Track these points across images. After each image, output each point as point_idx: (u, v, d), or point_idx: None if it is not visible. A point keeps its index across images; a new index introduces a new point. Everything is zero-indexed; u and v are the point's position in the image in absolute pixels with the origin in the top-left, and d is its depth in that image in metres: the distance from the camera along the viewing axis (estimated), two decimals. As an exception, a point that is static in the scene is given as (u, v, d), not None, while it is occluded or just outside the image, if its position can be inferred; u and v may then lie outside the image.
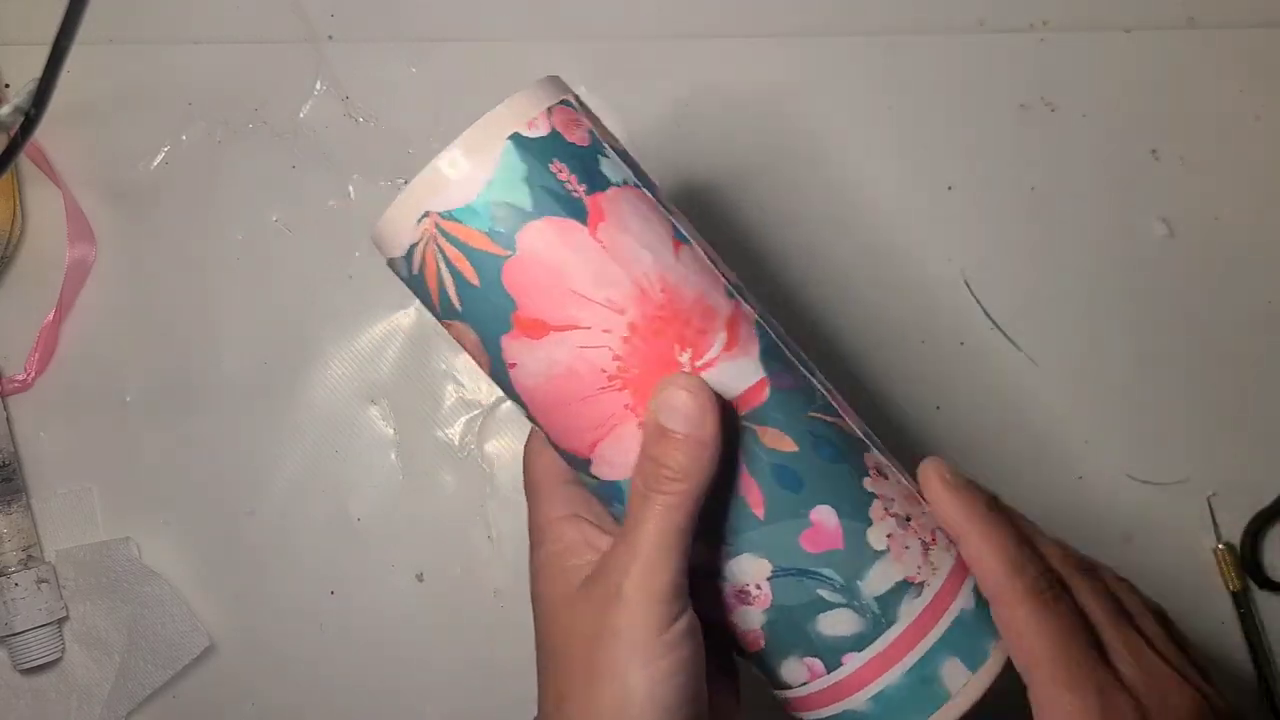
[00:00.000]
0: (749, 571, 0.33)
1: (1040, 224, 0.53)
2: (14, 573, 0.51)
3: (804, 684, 0.34)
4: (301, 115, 0.55)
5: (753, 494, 0.33)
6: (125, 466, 0.53)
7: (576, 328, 0.32)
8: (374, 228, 0.33)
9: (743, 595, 0.34)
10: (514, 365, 0.33)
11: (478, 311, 0.33)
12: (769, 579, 0.33)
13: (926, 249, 0.53)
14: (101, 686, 0.52)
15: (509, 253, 0.32)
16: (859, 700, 0.34)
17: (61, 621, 0.52)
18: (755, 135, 0.54)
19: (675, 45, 0.55)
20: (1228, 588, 0.51)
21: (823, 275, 0.53)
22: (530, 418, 0.35)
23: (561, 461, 0.36)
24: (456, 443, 0.53)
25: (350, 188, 0.55)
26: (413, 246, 0.33)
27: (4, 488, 0.52)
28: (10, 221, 0.54)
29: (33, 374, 0.54)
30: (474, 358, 0.34)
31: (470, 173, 0.32)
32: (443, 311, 0.34)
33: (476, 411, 0.53)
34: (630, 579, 0.31)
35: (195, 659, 0.52)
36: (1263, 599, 0.52)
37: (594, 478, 0.34)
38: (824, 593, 0.33)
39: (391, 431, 0.54)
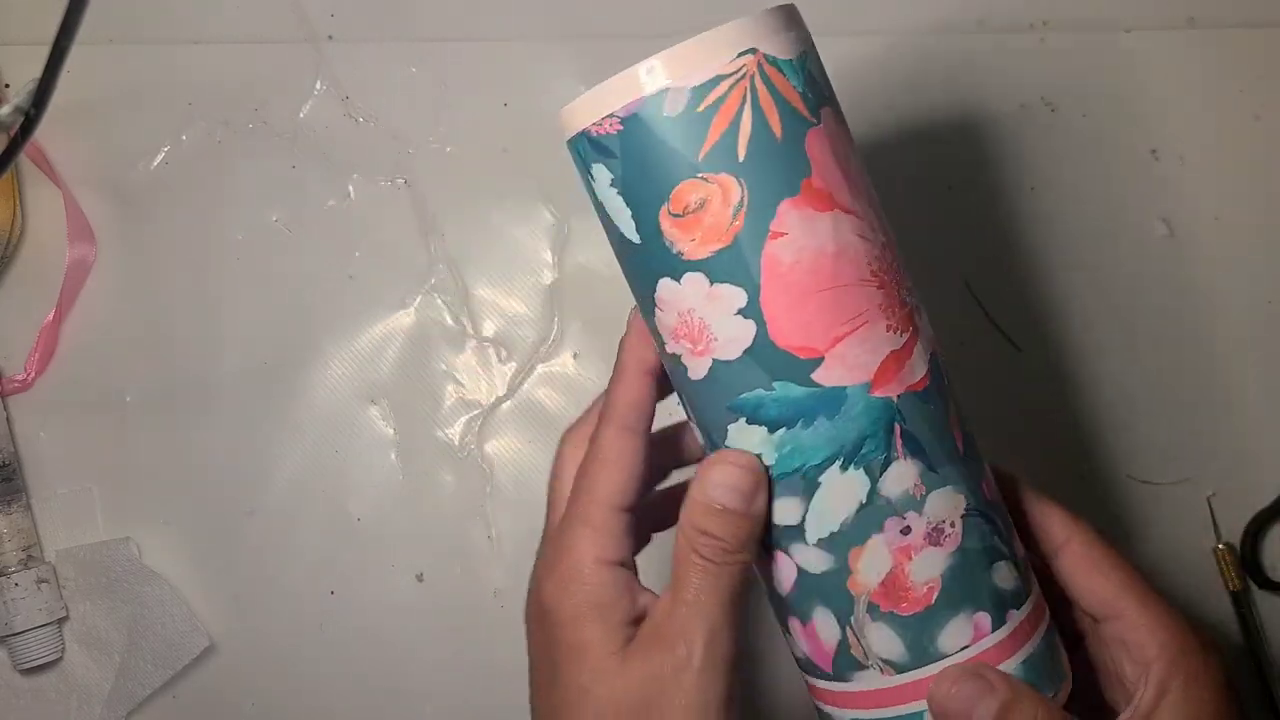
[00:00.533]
0: (948, 506, 0.33)
1: (1040, 224, 0.53)
2: (14, 573, 0.51)
3: (964, 647, 0.33)
4: (301, 115, 0.55)
5: (955, 429, 0.34)
6: (125, 466, 0.53)
7: (855, 214, 0.33)
8: (675, 49, 0.32)
9: (935, 534, 0.33)
10: (781, 234, 0.31)
11: (766, 167, 0.31)
12: (962, 516, 0.34)
13: (926, 249, 0.53)
14: (101, 686, 0.52)
15: (814, 120, 0.32)
16: (1013, 663, 0.34)
17: (61, 621, 0.52)
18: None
19: (674, 45, 0.55)
20: (1228, 588, 0.51)
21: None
22: (751, 306, 0.32)
23: (617, 480, 0.34)
24: (456, 443, 0.53)
25: (350, 188, 0.55)
26: (719, 78, 0.31)
27: (4, 488, 0.52)
28: (10, 221, 0.54)
29: (33, 374, 0.54)
30: (707, 220, 0.31)
31: (796, 35, 0.33)
32: (708, 160, 0.31)
33: (476, 411, 0.53)
34: (700, 648, 0.32)
35: (195, 659, 0.52)
36: (1263, 599, 0.52)
37: (811, 384, 0.32)
38: (997, 541, 0.34)
39: (391, 431, 0.54)
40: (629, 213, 0.33)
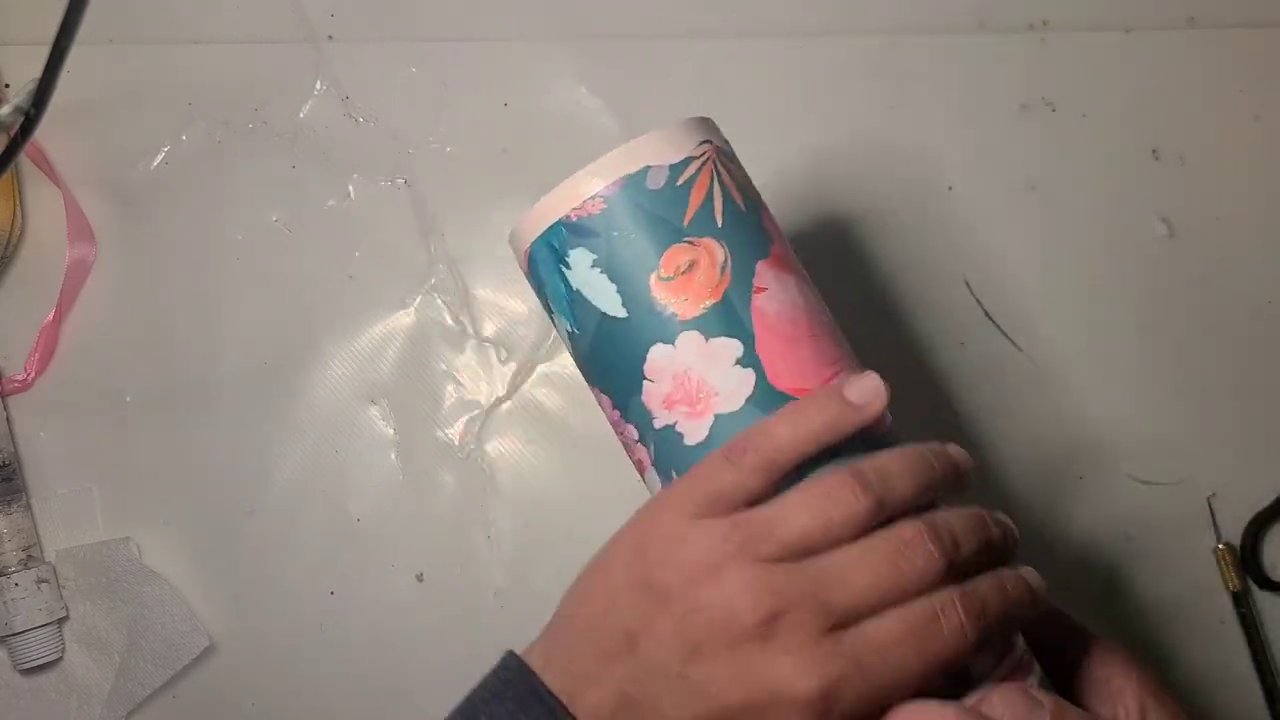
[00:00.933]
0: None
1: (1040, 224, 0.53)
2: (14, 573, 0.51)
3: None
4: (301, 115, 0.55)
5: None
6: (125, 466, 0.53)
7: (808, 282, 0.37)
8: (645, 137, 0.36)
9: None
10: (763, 289, 0.35)
11: (740, 233, 0.36)
12: None
13: (926, 249, 0.53)
14: (101, 686, 0.52)
15: (764, 204, 0.38)
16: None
17: (61, 621, 0.52)
18: (753, 136, 0.54)
19: (673, 45, 0.55)
20: (1228, 588, 0.51)
21: (820, 276, 0.53)
22: (748, 355, 0.34)
23: None
24: (456, 443, 0.53)
25: (350, 188, 0.55)
26: (689, 159, 0.36)
27: (4, 488, 0.52)
28: (10, 221, 0.54)
29: (33, 374, 0.54)
30: (697, 279, 0.35)
31: (725, 139, 0.38)
32: (692, 225, 0.35)
33: (476, 411, 0.53)
34: None
35: (195, 659, 0.52)
36: (1263, 599, 0.52)
37: None
38: None
39: (391, 431, 0.54)
40: (614, 288, 0.35)
